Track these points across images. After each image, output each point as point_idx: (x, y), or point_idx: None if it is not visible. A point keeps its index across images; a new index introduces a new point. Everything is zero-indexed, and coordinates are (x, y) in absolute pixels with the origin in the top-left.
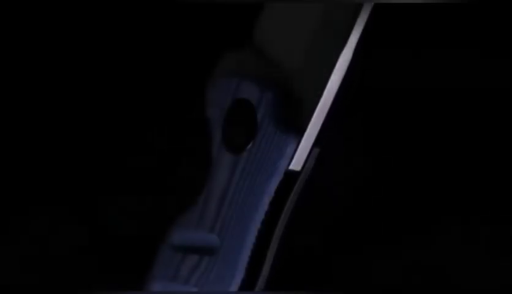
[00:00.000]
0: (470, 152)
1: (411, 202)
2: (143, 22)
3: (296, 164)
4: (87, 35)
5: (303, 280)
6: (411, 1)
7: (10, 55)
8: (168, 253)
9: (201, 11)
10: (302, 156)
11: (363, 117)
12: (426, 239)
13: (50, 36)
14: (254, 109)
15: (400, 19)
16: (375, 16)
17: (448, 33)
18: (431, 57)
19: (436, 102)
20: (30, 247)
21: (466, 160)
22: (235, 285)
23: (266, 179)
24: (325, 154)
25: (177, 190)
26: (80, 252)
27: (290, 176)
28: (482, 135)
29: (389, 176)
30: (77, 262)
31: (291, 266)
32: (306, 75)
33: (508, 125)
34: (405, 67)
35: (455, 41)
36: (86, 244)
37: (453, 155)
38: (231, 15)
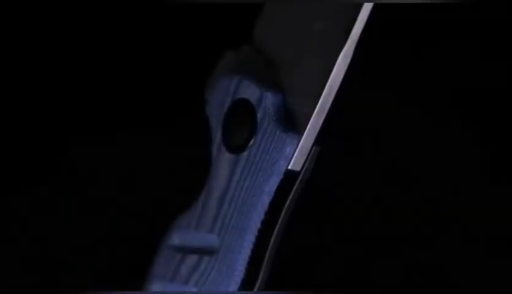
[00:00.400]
0: (469, 151)
1: (411, 202)
2: (143, 23)
3: (296, 164)
4: (87, 35)
5: (303, 280)
6: (411, 1)
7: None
8: (168, 253)
9: (201, 12)
10: (302, 156)
11: (363, 117)
12: (426, 239)
13: (51, 37)
14: (254, 109)
15: (400, 19)
16: (375, 16)
17: (448, 33)
18: (431, 57)
19: (436, 102)
20: (30, 247)
21: (464, 160)
22: (235, 285)
23: (266, 179)
24: (325, 154)
25: (177, 190)
26: (80, 252)
27: (290, 176)
28: (481, 135)
29: (388, 176)
30: (77, 262)
31: (291, 266)
32: (306, 75)
33: (507, 126)
34: (405, 67)
35: (455, 41)
36: (86, 244)
37: (450, 155)
38: (231, 15)
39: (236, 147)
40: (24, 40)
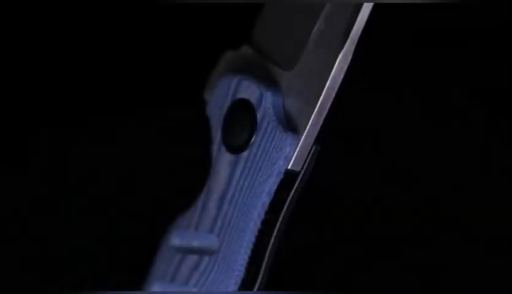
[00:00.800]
0: (469, 151)
1: (411, 202)
2: (143, 23)
3: (296, 164)
4: (88, 35)
5: (303, 280)
6: (411, 1)
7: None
8: (168, 253)
9: (201, 12)
10: (302, 156)
11: (363, 117)
12: (426, 239)
13: (51, 39)
14: (254, 109)
15: (400, 19)
16: (375, 16)
17: (447, 34)
18: (431, 57)
19: (436, 102)
20: (30, 247)
21: (464, 160)
22: (235, 285)
23: (266, 179)
24: (325, 153)
25: (177, 190)
26: (80, 252)
27: (290, 176)
28: (481, 135)
29: (388, 176)
30: (77, 262)
31: (291, 266)
32: (306, 75)
33: (506, 125)
34: (405, 67)
35: (455, 41)
36: (86, 244)
37: (450, 155)
38: (231, 15)
39: (236, 147)
40: (25, 43)
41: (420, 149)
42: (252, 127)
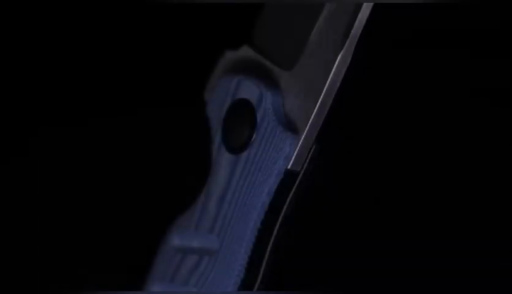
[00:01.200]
0: (469, 151)
1: (411, 202)
2: (143, 23)
3: (296, 164)
4: (87, 35)
5: (303, 280)
6: (411, 1)
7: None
8: (168, 253)
9: (201, 12)
10: (301, 156)
11: (363, 117)
12: (426, 239)
13: (52, 40)
14: (254, 109)
15: (400, 19)
16: (375, 16)
17: (448, 34)
18: (431, 57)
19: (436, 102)
20: (30, 247)
21: (465, 160)
22: (234, 285)
23: (266, 179)
24: (325, 153)
25: (178, 190)
26: (80, 252)
27: (290, 176)
28: (481, 135)
29: (389, 175)
30: (77, 262)
31: (290, 266)
32: (306, 75)
33: (506, 125)
34: (405, 67)
35: (455, 41)
36: (86, 244)
37: (451, 155)
38: (231, 15)
39: (236, 147)
40: (25, 43)
41: (420, 149)
42: (252, 127)
